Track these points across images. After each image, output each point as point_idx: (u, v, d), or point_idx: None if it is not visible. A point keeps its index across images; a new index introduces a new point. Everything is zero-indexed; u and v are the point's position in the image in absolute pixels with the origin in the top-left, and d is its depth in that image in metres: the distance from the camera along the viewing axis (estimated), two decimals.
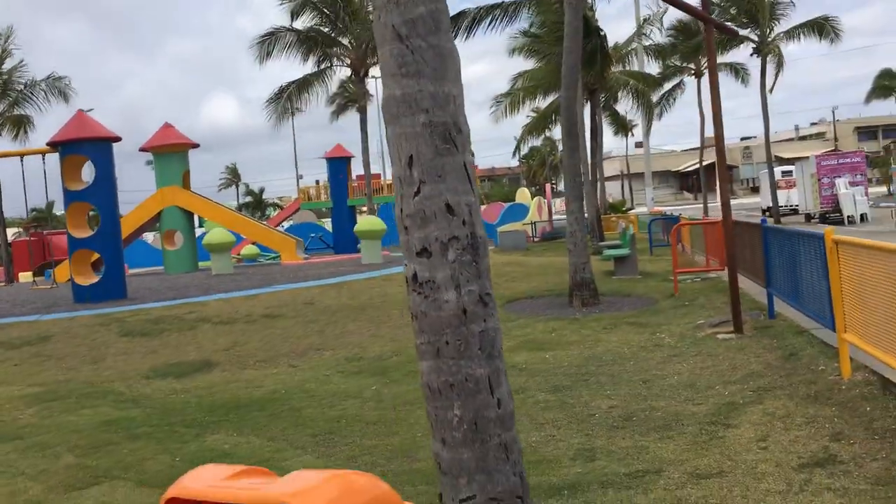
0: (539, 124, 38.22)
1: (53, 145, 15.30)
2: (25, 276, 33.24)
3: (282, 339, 10.84)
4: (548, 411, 6.40)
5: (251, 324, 11.74)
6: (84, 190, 15.38)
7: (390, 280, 15.53)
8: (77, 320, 12.48)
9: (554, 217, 41.34)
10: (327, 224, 51.50)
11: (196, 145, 26.34)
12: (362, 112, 64.06)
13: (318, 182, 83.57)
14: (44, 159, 15.73)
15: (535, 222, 36.93)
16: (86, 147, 15.09)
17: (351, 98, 61.96)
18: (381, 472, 5.26)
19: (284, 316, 12.17)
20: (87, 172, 15.88)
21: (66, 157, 15.18)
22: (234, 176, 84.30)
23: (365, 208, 54.34)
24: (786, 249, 7.74)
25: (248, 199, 68.26)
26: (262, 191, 69.12)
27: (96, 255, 15.94)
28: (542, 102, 35.43)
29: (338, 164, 42.36)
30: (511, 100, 32.35)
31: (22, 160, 16.23)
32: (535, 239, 34.79)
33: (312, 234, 43.76)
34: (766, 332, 8.25)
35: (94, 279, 15.64)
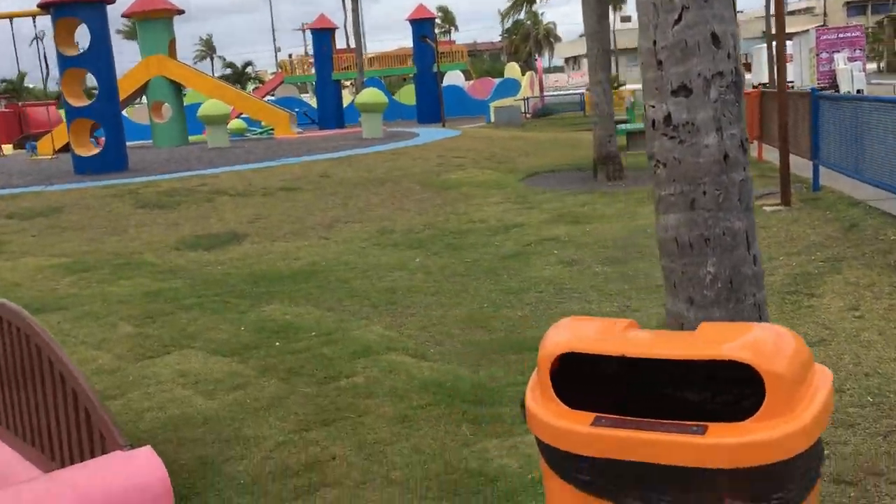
0: None
1: (45, 7, 14.40)
2: (7, 149, 32.31)
3: (305, 211, 10.60)
4: (611, 283, 6.31)
5: (270, 196, 11.45)
6: (80, 56, 14.62)
7: (402, 154, 15.19)
8: (87, 191, 12.10)
9: (545, 93, 40.59)
10: (307, 99, 50.25)
11: (181, 11, 25.11)
12: None
13: (290, 56, 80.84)
14: (34, 22, 14.83)
15: (527, 98, 36.21)
16: (79, 9, 14.22)
17: None
18: (462, 342, 5.18)
19: (302, 189, 11.88)
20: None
21: (59, 19, 14.34)
22: (208, 48, 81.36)
23: (349, 83, 52.96)
24: (846, 118, 7.51)
25: (228, 72, 66.04)
26: (246, 64, 66.78)
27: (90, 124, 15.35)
28: None
29: (322, 36, 40.77)
30: None
31: (11, 22, 15.27)
32: (527, 115, 34.21)
33: (296, 109, 42.71)
34: (816, 204, 8.14)
35: (95, 150, 15.11)
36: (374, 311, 6.06)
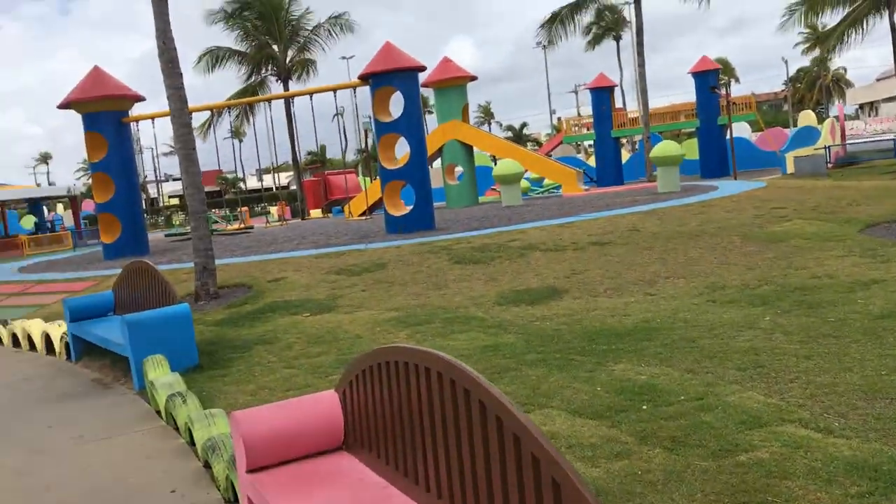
0: (831, 37, 34.09)
1: (364, 78, 15.61)
2: (315, 213, 35.84)
3: (622, 266, 10.13)
4: None
5: (582, 251, 11.15)
6: (394, 122, 15.61)
7: (710, 206, 14.26)
8: (403, 248, 12.65)
9: (847, 141, 37.07)
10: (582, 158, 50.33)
11: (474, 78, 26.29)
12: (618, 40, 60.83)
13: (559, 118, 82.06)
14: (354, 93, 16.19)
15: (827, 147, 33.21)
16: (395, 78, 15.22)
17: (608, 27, 59.80)
18: (873, 416, 4.34)
19: (613, 243, 11.45)
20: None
21: (378, 89, 15.43)
22: (486, 114, 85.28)
23: (624, 140, 52.15)
24: None
25: (508, 134, 68.59)
26: (523, 126, 69.07)
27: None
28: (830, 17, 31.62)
29: (601, 95, 40.91)
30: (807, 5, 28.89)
31: (335, 95, 16.92)
32: (830, 164, 31.31)
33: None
34: None
35: (406, 210, 15.94)
36: (741, 374, 5.38)
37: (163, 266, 14.39)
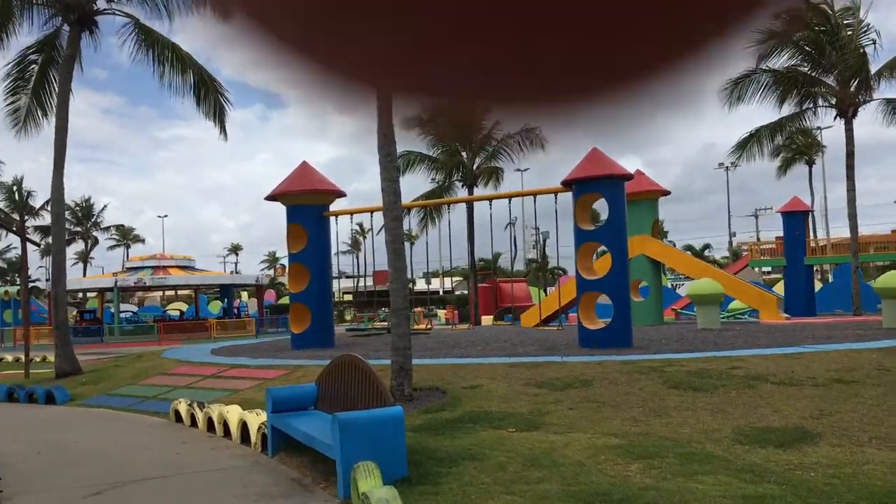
0: None
1: (568, 184, 15.08)
2: (486, 319, 35.38)
3: (882, 411, 8.59)
4: None
5: (825, 388, 9.68)
6: (596, 230, 14.89)
7: None
8: (606, 365, 11.62)
9: None
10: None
11: (667, 192, 25.31)
12: (811, 165, 57.82)
13: (731, 240, 78.60)
14: (556, 199, 15.71)
15: None
16: (601, 184, 14.58)
17: (799, 150, 57.18)
18: None
19: (862, 382, 9.89)
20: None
21: (582, 195, 14.83)
22: (659, 234, 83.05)
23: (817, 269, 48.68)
24: None
25: (688, 254, 66.25)
26: (705, 247, 66.54)
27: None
28: None
29: (794, 219, 38.44)
30: None
31: (535, 200, 16.53)
32: None
33: None
34: None
35: (600, 323, 14.96)
36: None
37: None
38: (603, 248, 16.07)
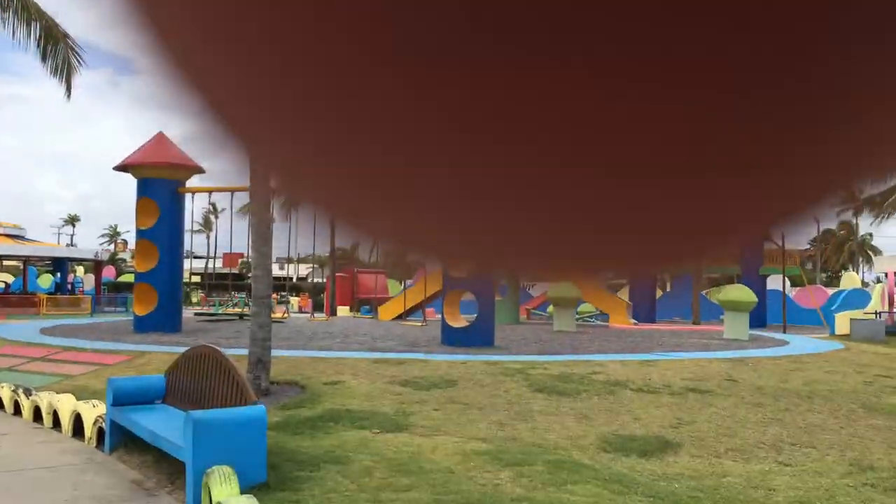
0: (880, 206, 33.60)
1: None
2: (343, 310, 34.75)
3: (734, 423, 8.87)
4: None
5: (681, 398, 9.92)
6: None
7: (802, 363, 13.06)
8: (471, 366, 11.45)
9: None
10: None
11: None
12: None
13: None
14: None
15: (878, 312, 32.13)
16: None
17: None
18: None
19: (714, 393, 10.22)
20: None
21: None
22: None
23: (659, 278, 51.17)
24: None
25: None
26: None
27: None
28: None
29: None
30: None
31: None
32: None
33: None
34: None
35: (464, 322, 14.84)
36: None
37: None
38: None
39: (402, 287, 32.62)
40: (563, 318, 19.63)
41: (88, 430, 7.94)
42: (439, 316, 19.66)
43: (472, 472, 6.71)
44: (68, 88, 17.94)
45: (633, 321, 24.87)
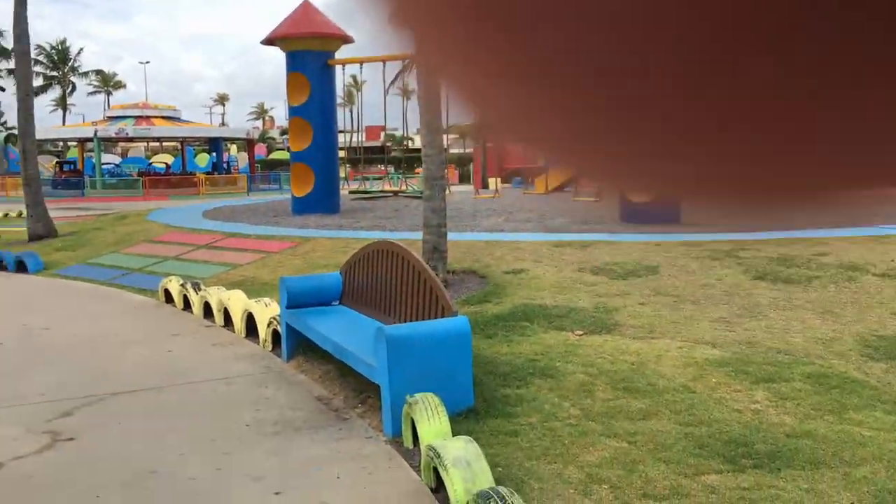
0: None
1: None
2: (493, 182, 33.64)
3: None
4: None
5: None
6: None
7: None
8: (669, 247, 10.02)
9: None
10: None
11: None
12: None
13: None
14: None
15: None
16: None
17: None
18: None
19: None
20: None
21: None
22: None
23: None
24: None
25: None
26: None
27: None
28: None
29: None
30: None
31: None
32: None
33: None
34: None
35: (648, 196, 13.25)
36: None
37: (358, 234, 12.47)
38: None
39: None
40: None
41: (262, 331, 7.24)
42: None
43: (717, 392, 5.45)
44: None
45: None
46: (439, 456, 3.92)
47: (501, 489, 3.56)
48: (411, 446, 4.69)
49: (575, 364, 6.13)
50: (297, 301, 6.60)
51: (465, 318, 5.05)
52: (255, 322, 7.46)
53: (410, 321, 5.56)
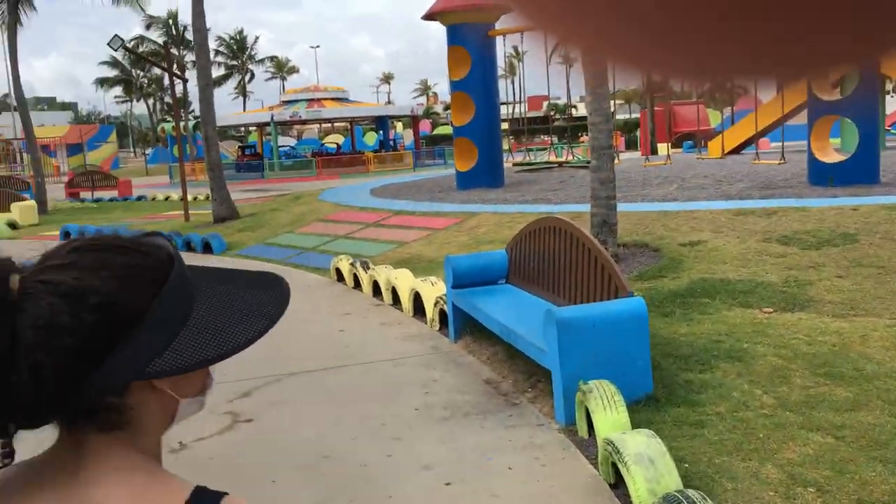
0: None
1: None
2: (662, 148, 32.27)
3: None
4: None
5: None
6: None
7: None
8: (867, 211, 9.00)
9: None
10: None
11: None
12: None
13: None
14: None
15: None
16: None
17: None
18: None
19: None
20: None
21: None
22: None
23: None
24: None
25: None
26: None
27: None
28: None
29: None
30: None
31: None
32: None
33: None
34: None
35: (838, 156, 12.09)
36: None
37: (523, 207, 12.19)
38: None
39: (729, 116, 29.20)
40: None
41: (430, 311, 7.17)
42: (774, 146, 16.50)
43: None
44: None
45: None
46: (619, 452, 3.62)
47: (691, 493, 3.21)
48: (586, 436, 4.41)
49: (766, 346, 5.58)
50: (463, 280, 6.45)
51: (640, 298, 4.67)
52: (422, 301, 7.41)
53: (581, 301, 5.25)
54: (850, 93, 11.60)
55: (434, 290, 7.22)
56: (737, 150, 22.20)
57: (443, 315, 6.97)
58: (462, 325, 6.57)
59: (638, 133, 43.14)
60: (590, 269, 5.21)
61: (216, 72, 67.74)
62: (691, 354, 5.49)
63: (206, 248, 13.08)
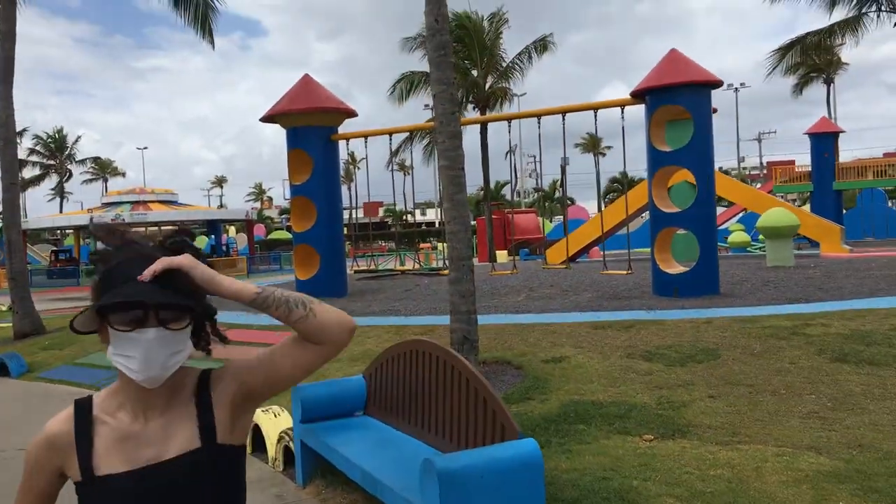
0: None
1: (639, 94, 12.15)
2: (501, 255, 32.72)
3: None
4: None
5: None
6: (675, 151, 12.06)
7: None
8: (720, 324, 8.94)
9: None
10: None
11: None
12: (829, 84, 55.15)
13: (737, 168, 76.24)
14: (622, 112, 12.70)
15: None
16: (682, 94, 11.69)
17: (816, 67, 53.94)
18: None
19: None
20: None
21: (657, 108, 11.95)
22: None
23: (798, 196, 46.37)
24: None
25: None
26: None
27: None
28: None
29: (823, 141, 36.23)
30: None
31: (563, 117, 13.36)
32: None
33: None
34: None
35: (679, 267, 12.28)
36: None
37: (372, 320, 11.40)
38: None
39: (563, 224, 30.23)
40: (778, 252, 16.58)
41: (272, 448, 6.12)
42: (601, 255, 17.06)
43: None
44: (209, 35, 16.47)
45: (849, 248, 21.32)
46: None
47: None
48: None
49: (657, 482, 5.01)
50: (313, 413, 5.51)
51: (532, 441, 3.96)
52: (261, 434, 6.35)
53: (457, 438, 4.48)
54: (689, 206, 11.93)
55: (277, 422, 6.21)
56: (573, 258, 22.69)
57: (288, 453, 5.95)
58: (312, 465, 5.59)
59: (474, 240, 43.87)
60: (468, 401, 4.48)
61: (30, 171, 63.17)
62: (579, 498, 4.81)
63: (2, 370, 11.22)
